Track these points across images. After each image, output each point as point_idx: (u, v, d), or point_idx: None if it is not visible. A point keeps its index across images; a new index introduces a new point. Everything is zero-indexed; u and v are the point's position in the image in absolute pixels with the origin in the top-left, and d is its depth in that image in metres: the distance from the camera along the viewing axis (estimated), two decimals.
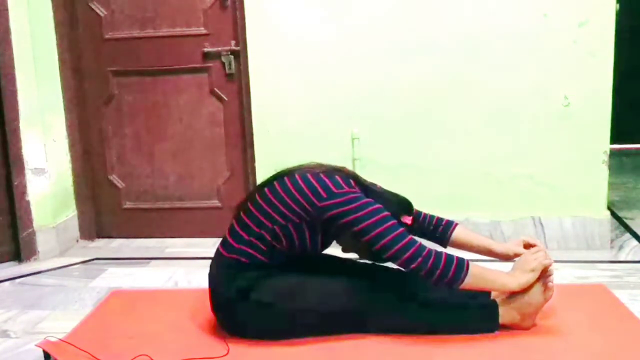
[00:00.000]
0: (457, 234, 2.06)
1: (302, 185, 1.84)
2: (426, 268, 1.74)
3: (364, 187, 1.92)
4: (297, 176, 1.87)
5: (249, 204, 1.90)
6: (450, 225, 2.08)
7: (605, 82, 2.68)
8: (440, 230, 2.07)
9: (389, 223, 1.78)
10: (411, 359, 1.78)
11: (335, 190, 1.82)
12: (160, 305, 2.24)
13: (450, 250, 1.87)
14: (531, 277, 1.85)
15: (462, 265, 1.76)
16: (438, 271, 1.74)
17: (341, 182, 1.85)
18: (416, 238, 1.80)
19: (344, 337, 1.88)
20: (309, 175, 1.86)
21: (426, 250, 1.76)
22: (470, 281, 1.77)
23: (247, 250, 1.85)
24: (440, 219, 2.09)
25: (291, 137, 2.91)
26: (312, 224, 1.85)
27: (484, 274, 1.82)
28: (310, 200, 1.82)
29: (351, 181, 1.88)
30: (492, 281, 1.84)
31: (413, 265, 1.74)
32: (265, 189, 1.89)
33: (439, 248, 1.89)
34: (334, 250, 2.02)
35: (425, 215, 2.10)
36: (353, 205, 1.80)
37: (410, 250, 1.75)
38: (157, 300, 2.32)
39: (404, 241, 1.76)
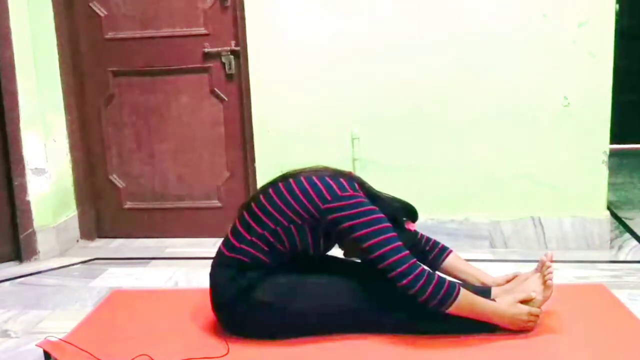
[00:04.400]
0: (449, 261, 2.08)
1: (307, 187, 1.84)
2: (415, 288, 1.74)
3: (369, 192, 1.92)
4: (302, 178, 1.87)
5: (252, 204, 1.90)
6: (444, 251, 2.09)
7: (605, 82, 2.68)
8: (434, 254, 2.08)
9: (388, 235, 1.78)
10: (411, 359, 1.79)
11: (340, 194, 1.82)
12: (160, 305, 2.24)
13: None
14: (522, 316, 1.85)
15: (451, 293, 1.76)
16: (426, 294, 1.74)
17: (346, 185, 1.84)
18: (412, 256, 1.78)
19: (344, 337, 1.88)
20: (314, 178, 1.86)
21: (419, 270, 1.75)
22: (457, 309, 1.78)
23: (249, 250, 1.85)
24: (436, 243, 2.11)
25: (291, 137, 2.91)
26: (314, 227, 1.85)
27: (473, 304, 1.81)
28: (314, 202, 1.82)
29: (356, 185, 1.88)
30: (481, 312, 1.83)
31: (403, 282, 1.74)
32: (270, 190, 1.89)
33: None
34: (335, 251, 2.02)
35: (422, 235, 2.11)
36: (355, 210, 1.79)
37: (403, 267, 1.74)
38: (157, 300, 2.32)
39: (398, 255, 1.76)
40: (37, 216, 2.88)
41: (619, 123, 3.10)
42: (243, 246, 1.86)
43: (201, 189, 3.16)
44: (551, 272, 1.90)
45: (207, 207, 3.16)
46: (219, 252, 1.94)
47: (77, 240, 3.16)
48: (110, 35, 3.05)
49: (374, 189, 1.96)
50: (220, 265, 1.92)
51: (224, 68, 3.00)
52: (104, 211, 3.23)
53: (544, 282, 1.90)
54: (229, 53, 2.98)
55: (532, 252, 2.76)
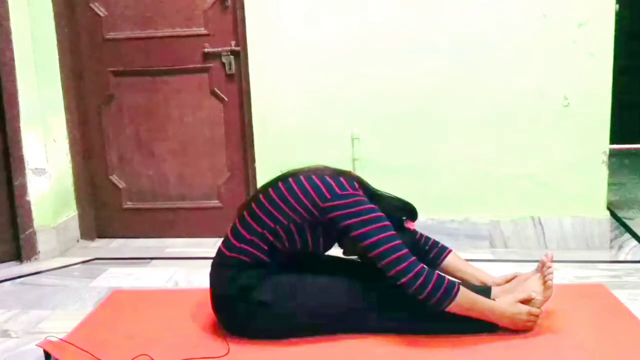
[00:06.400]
0: (449, 261, 2.08)
1: (307, 186, 1.84)
2: (414, 286, 1.74)
3: (368, 191, 1.92)
4: (301, 177, 1.87)
5: (252, 203, 1.91)
6: (443, 251, 2.09)
7: (605, 82, 2.68)
8: (433, 254, 2.08)
9: (388, 233, 1.78)
10: (411, 359, 1.79)
11: (340, 192, 1.82)
12: (161, 305, 2.24)
13: None
14: (522, 315, 1.85)
15: (450, 291, 1.76)
16: (425, 292, 1.74)
17: (346, 184, 1.85)
18: (411, 254, 1.78)
19: (344, 337, 1.88)
20: (313, 177, 1.86)
21: (418, 268, 1.75)
22: (456, 308, 1.78)
23: (249, 249, 1.86)
24: (435, 243, 2.11)
25: (291, 137, 2.91)
26: (314, 226, 1.85)
27: (473, 302, 1.82)
28: (314, 201, 1.82)
29: (355, 184, 1.89)
30: (480, 311, 1.83)
31: (403, 280, 1.74)
32: (270, 189, 1.90)
33: None
34: (335, 250, 2.02)
35: (422, 235, 2.11)
36: (355, 209, 1.80)
37: (403, 264, 1.75)
38: (157, 300, 2.32)
39: (398, 253, 1.76)
40: (37, 216, 2.88)
41: (619, 123, 3.10)
42: (243, 245, 1.86)
43: (201, 189, 3.16)
44: (551, 273, 1.90)
45: (207, 207, 3.15)
46: (219, 252, 1.94)
47: (77, 240, 3.16)
48: (110, 35, 3.05)
49: (373, 188, 1.97)
50: (220, 265, 1.92)
51: (224, 68, 3.00)
52: (104, 211, 3.23)
53: (544, 283, 1.90)
54: (229, 53, 2.98)
55: (532, 252, 2.76)
